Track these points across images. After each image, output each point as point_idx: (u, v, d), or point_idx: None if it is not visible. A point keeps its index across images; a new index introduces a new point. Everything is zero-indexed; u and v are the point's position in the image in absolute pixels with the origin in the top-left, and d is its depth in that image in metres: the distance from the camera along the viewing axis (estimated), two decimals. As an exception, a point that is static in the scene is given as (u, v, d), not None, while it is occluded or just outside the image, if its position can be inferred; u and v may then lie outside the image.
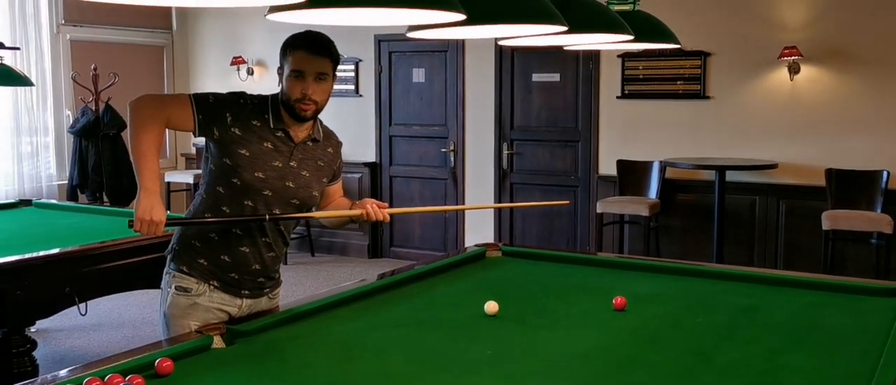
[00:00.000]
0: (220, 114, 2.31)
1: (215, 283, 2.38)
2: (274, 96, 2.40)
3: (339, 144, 2.56)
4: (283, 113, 2.37)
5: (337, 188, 2.60)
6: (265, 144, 2.34)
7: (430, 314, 2.44)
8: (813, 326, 2.29)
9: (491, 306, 2.36)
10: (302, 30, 2.38)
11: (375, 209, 2.46)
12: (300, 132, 2.40)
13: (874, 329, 2.20)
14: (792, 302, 2.53)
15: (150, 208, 2.22)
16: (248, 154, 2.31)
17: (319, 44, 2.35)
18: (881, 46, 5.46)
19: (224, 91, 2.42)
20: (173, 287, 2.38)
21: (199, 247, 2.37)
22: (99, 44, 7.31)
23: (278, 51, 2.38)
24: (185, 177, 7.54)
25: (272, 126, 2.35)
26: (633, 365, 1.99)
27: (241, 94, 2.39)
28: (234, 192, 2.33)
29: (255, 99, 2.39)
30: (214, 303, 2.38)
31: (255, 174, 2.32)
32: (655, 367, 1.97)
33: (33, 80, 6.26)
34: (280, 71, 2.36)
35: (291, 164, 2.38)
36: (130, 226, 2.24)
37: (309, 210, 2.51)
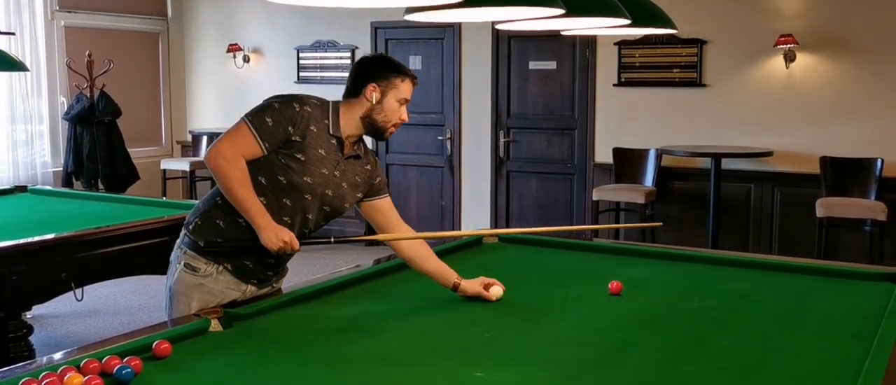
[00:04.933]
0: (283, 133, 2.30)
1: (227, 266, 2.37)
2: (336, 104, 2.41)
3: (376, 162, 2.56)
4: (351, 123, 2.39)
5: (386, 204, 2.56)
6: (320, 151, 2.36)
7: (427, 299, 2.45)
8: (807, 311, 2.31)
9: (496, 290, 2.37)
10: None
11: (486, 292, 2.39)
12: (349, 146, 2.43)
13: (867, 313, 2.21)
14: (786, 287, 2.54)
15: (275, 236, 2.28)
16: (303, 159, 2.33)
17: (415, 75, 2.47)
18: (876, 35, 5.47)
19: (276, 99, 2.35)
20: (183, 263, 2.38)
21: (224, 228, 2.36)
22: (93, 30, 7.28)
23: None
24: (182, 164, 7.52)
25: (330, 132, 2.37)
26: (628, 348, 2.01)
27: (297, 99, 2.36)
28: (276, 188, 2.34)
29: (314, 102, 2.39)
30: (220, 285, 2.38)
31: (305, 178, 2.35)
32: (651, 350, 1.99)
33: (28, 66, 6.24)
34: (377, 89, 2.37)
35: (335, 174, 2.41)
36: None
37: (336, 217, 2.52)
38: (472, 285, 2.41)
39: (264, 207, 2.31)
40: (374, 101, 2.37)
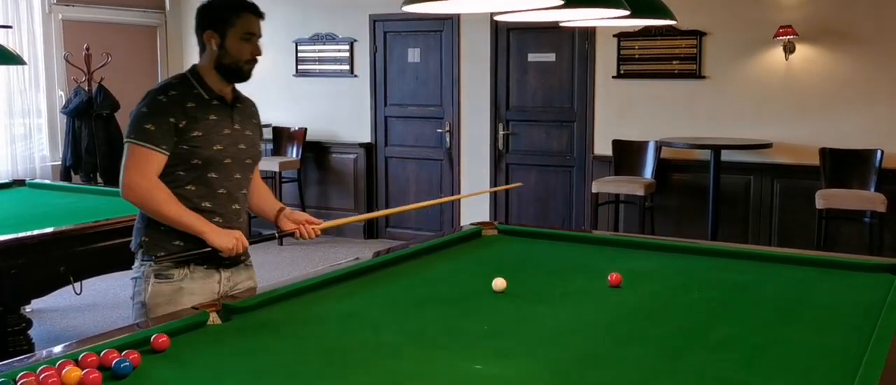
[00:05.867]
0: (169, 127, 2.32)
1: (194, 264, 2.39)
2: (193, 69, 2.43)
3: (255, 104, 2.62)
4: (213, 78, 2.41)
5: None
6: (211, 118, 2.39)
7: (426, 291, 2.44)
8: (806, 302, 2.31)
9: (499, 283, 2.36)
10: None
11: (308, 229, 2.59)
12: (228, 94, 2.47)
13: (867, 304, 2.21)
14: (786, 278, 2.54)
15: (225, 236, 2.35)
16: (201, 134, 2.36)
17: (256, 5, 2.44)
18: (875, 26, 5.46)
19: (142, 105, 2.36)
20: (152, 277, 2.38)
21: (171, 230, 2.36)
22: (91, 23, 7.25)
23: (229, 20, 2.37)
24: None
25: (208, 97, 2.40)
26: (628, 340, 2.00)
27: (160, 91, 2.37)
28: (197, 170, 2.38)
29: (176, 81, 2.41)
30: (197, 283, 2.39)
31: (214, 148, 2.38)
32: (651, 342, 1.99)
33: (25, 60, 6.22)
34: (215, 35, 2.36)
35: (236, 126, 2.45)
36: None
37: (259, 160, 2.62)
38: (294, 216, 2.59)
39: (199, 196, 2.37)
40: (216, 48, 2.38)
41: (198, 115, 2.36)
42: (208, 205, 2.41)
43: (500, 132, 6.72)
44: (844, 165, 5.49)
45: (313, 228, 2.61)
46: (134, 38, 7.71)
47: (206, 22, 2.39)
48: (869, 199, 5.21)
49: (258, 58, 2.44)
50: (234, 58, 2.39)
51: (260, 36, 2.44)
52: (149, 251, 2.39)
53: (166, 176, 2.36)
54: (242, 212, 2.53)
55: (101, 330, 2.07)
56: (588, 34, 6.25)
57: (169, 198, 2.33)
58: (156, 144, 2.30)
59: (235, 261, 2.49)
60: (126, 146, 2.33)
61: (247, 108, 2.55)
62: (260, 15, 2.43)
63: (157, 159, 2.32)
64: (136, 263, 2.44)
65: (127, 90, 7.01)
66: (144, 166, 2.31)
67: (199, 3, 2.45)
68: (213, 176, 2.40)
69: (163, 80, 2.47)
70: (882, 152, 5.38)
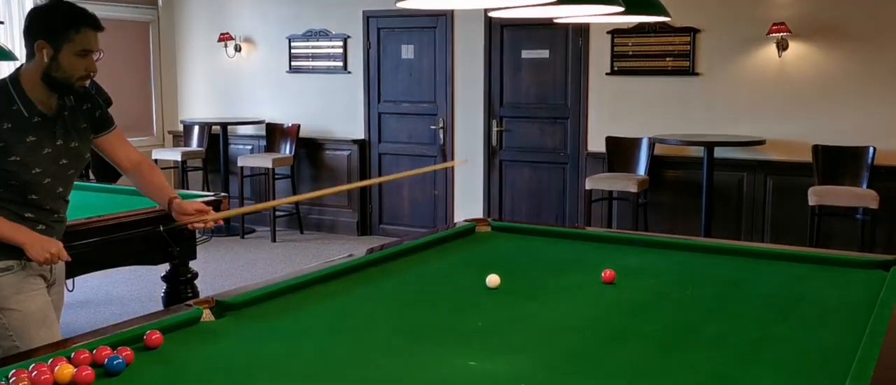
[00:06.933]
0: None
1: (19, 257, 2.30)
2: (15, 77, 2.24)
3: (94, 96, 2.44)
4: (39, 90, 2.23)
5: (114, 139, 2.50)
6: (29, 139, 2.23)
7: (419, 288, 2.44)
8: (799, 298, 2.31)
9: (493, 279, 2.36)
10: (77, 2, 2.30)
11: (197, 223, 2.48)
12: (51, 103, 2.28)
13: (859, 301, 2.22)
14: (778, 275, 2.55)
15: (42, 248, 2.23)
16: (18, 159, 2.22)
17: (97, 19, 2.28)
18: (868, 23, 5.47)
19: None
20: None
21: None
22: (83, 19, 7.21)
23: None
24: (173, 154, 7.49)
25: (27, 115, 2.23)
26: (622, 336, 2.01)
27: None
28: (16, 190, 2.27)
29: None
30: (34, 269, 2.33)
31: (33, 173, 2.26)
32: (644, 338, 1.99)
33: (17, 56, 6.18)
34: (47, 46, 2.18)
35: (58, 142, 2.31)
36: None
37: (86, 163, 2.50)
38: (187, 206, 2.45)
39: (19, 208, 2.25)
40: (47, 60, 2.19)
41: (15, 138, 2.19)
42: (30, 215, 2.31)
43: (494, 129, 6.72)
44: (837, 162, 5.51)
45: (206, 219, 2.46)
46: (126, 34, 7.68)
47: (39, 30, 2.20)
48: (861, 196, 5.23)
49: (93, 74, 2.27)
50: (66, 73, 2.21)
51: (97, 51, 2.25)
52: None
53: None
54: (65, 217, 2.44)
55: (93, 327, 2.07)
56: (582, 31, 6.25)
57: None
58: None
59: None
60: None
61: (76, 111, 2.36)
62: (100, 29, 2.26)
63: None
64: None
65: (119, 86, 6.99)
66: None
67: (37, 5, 2.30)
68: (34, 196, 2.29)
69: None
70: (874, 149, 5.40)
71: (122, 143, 2.55)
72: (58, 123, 2.31)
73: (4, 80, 2.29)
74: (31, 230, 2.28)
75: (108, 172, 6.56)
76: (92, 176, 6.56)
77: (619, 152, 6.10)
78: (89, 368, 1.64)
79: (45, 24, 2.22)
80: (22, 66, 2.29)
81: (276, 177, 7.17)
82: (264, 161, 7.05)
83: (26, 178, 2.26)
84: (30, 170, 2.25)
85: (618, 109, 6.23)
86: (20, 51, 6.64)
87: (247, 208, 2.77)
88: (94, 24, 2.25)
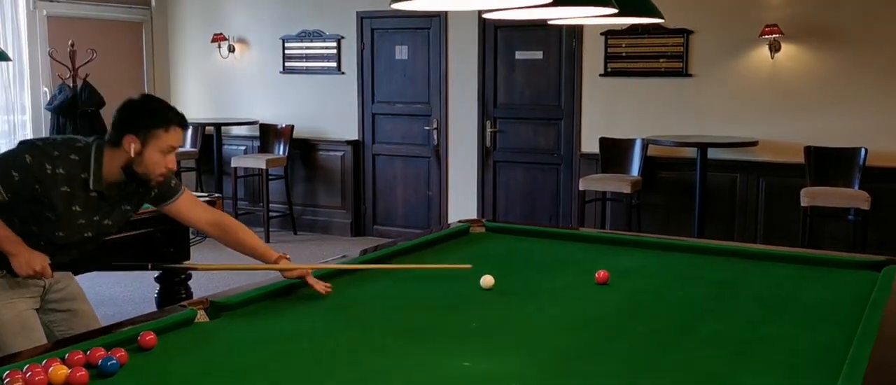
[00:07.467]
0: (28, 190, 2.19)
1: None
2: (97, 151, 2.24)
3: (153, 188, 2.39)
4: (114, 173, 2.24)
5: (183, 202, 2.45)
6: (74, 208, 2.24)
7: (414, 288, 2.45)
8: (792, 299, 2.33)
9: (487, 280, 2.37)
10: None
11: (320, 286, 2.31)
12: (116, 185, 2.29)
13: (851, 301, 2.23)
14: (771, 275, 2.56)
15: (26, 263, 2.22)
16: (53, 217, 2.24)
17: (185, 118, 2.30)
18: (860, 25, 5.50)
19: (32, 150, 2.21)
20: None
21: None
22: (76, 19, 7.19)
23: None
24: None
25: (91, 187, 2.24)
26: (616, 336, 2.02)
27: (54, 157, 2.19)
28: (31, 234, 2.26)
29: (73, 158, 2.22)
30: (22, 280, 2.32)
31: (58, 233, 2.27)
32: (638, 337, 2.00)
33: (10, 56, 6.16)
34: (136, 141, 2.20)
35: (95, 218, 2.32)
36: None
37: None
38: (297, 268, 2.32)
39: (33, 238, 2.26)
40: (132, 154, 2.21)
41: (65, 202, 2.21)
42: (42, 243, 2.30)
43: (488, 130, 6.72)
44: (829, 163, 5.53)
45: (315, 286, 2.32)
46: (119, 34, 7.65)
47: (130, 125, 2.22)
48: (853, 197, 5.26)
49: (173, 172, 2.28)
50: (147, 169, 2.23)
51: (180, 147, 2.29)
52: None
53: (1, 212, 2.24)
54: (63, 261, 2.38)
55: (86, 327, 2.07)
56: (575, 32, 6.26)
57: None
58: (5, 188, 2.17)
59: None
60: None
61: (128, 194, 2.36)
62: (187, 127, 2.29)
63: None
64: None
65: (112, 87, 6.97)
66: None
67: (132, 98, 2.27)
68: (42, 243, 2.29)
69: (71, 143, 2.25)
70: (866, 150, 5.42)
71: (194, 207, 2.47)
72: (107, 203, 2.32)
73: (90, 145, 2.27)
74: (22, 243, 2.26)
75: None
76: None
77: (613, 153, 6.12)
78: (83, 369, 1.64)
79: (136, 119, 2.23)
80: (105, 139, 2.27)
81: (270, 177, 7.16)
82: (258, 162, 7.04)
83: (47, 234, 2.28)
84: (56, 230, 2.27)
85: (611, 110, 6.25)
86: (13, 51, 6.63)
87: (339, 266, 2.53)
88: (183, 123, 2.28)
